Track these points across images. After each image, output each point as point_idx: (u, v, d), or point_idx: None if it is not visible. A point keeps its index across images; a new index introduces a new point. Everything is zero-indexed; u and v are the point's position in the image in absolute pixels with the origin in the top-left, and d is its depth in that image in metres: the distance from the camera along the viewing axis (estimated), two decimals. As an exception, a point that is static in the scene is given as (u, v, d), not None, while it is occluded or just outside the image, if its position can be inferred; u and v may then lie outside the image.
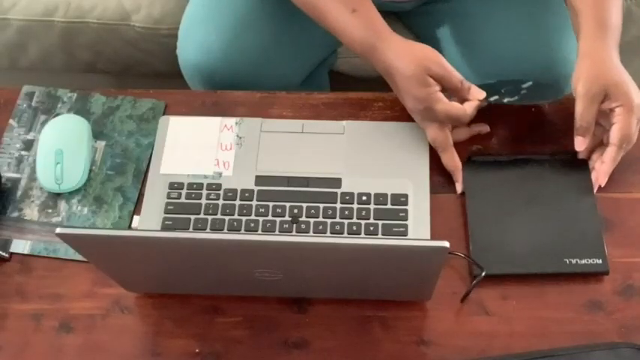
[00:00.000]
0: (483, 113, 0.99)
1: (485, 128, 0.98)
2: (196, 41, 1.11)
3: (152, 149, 0.99)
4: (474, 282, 0.86)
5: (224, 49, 1.09)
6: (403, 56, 0.92)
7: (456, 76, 0.92)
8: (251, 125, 1.00)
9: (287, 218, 0.92)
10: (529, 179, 0.93)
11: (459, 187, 0.94)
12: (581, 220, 0.90)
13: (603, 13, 0.94)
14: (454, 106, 0.92)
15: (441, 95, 0.92)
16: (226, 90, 1.06)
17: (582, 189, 0.92)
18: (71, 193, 0.97)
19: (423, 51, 0.93)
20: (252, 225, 0.92)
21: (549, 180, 0.93)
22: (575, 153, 0.95)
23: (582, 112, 0.90)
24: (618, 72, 0.91)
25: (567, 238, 0.89)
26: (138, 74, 1.41)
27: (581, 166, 0.94)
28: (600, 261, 0.87)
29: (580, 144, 0.92)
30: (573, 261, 0.87)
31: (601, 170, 0.92)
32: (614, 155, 0.91)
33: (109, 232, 0.77)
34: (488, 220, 0.91)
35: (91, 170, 0.98)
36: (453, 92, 0.93)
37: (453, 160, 0.94)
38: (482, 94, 0.93)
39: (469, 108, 0.92)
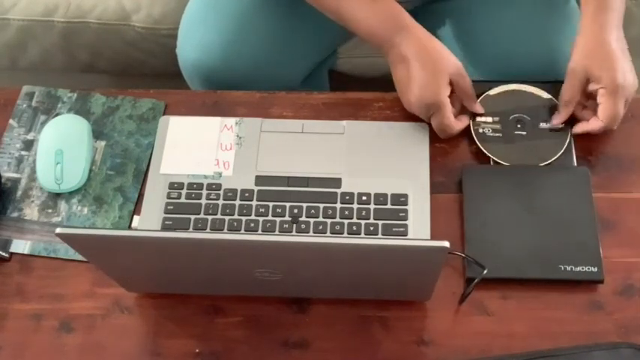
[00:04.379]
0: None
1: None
2: (196, 40, 1.11)
3: (152, 149, 0.99)
4: (475, 281, 0.86)
5: (224, 49, 1.09)
6: (425, 51, 0.95)
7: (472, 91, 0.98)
8: (251, 125, 1.00)
9: (287, 218, 0.92)
10: (528, 185, 0.93)
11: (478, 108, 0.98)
12: (579, 227, 0.90)
13: None
14: (453, 121, 0.96)
15: (448, 101, 0.95)
16: (226, 90, 1.06)
17: (581, 196, 0.92)
18: (71, 193, 0.97)
19: (449, 58, 0.96)
20: (252, 225, 0.92)
21: (548, 186, 0.93)
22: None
23: (564, 87, 0.96)
24: (607, 53, 0.94)
25: (563, 245, 0.89)
26: (138, 74, 1.41)
27: (580, 173, 0.94)
28: (596, 269, 0.87)
29: (557, 119, 0.97)
30: (568, 268, 0.87)
31: (583, 125, 0.97)
32: (598, 129, 0.95)
33: (109, 232, 0.77)
34: (484, 223, 0.91)
35: (91, 170, 0.98)
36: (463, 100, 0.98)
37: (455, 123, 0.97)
38: (481, 110, 0.99)
39: (461, 125, 0.98)
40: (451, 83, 0.95)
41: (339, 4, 0.98)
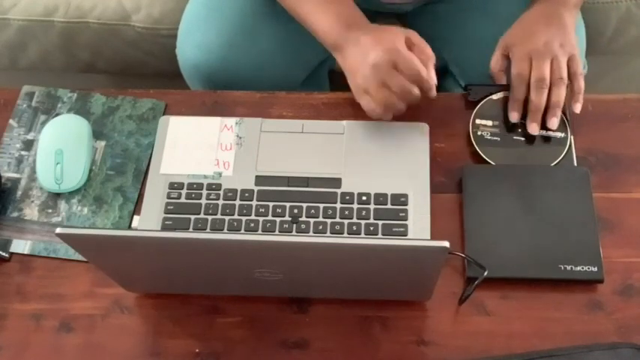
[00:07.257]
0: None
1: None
2: (196, 41, 1.11)
3: (152, 149, 0.99)
4: (476, 282, 0.86)
5: (223, 49, 1.09)
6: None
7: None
8: (251, 125, 1.00)
9: (287, 218, 0.92)
10: (528, 185, 0.93)
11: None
12: (579, 227, 0.90)
13: None
14: (420, 67, 0.91)
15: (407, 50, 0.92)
16: (226, 90, 1.06)
17: (581, 196, 0.92)
18: (71, 193, 0.97)
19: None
20: (252, 225, 0.92)
21: (548, 186, 0.93)
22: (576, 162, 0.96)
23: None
24: (527, 23, 0.99)
25: (563, 245, 0.89)
26: (138, 74, 1.41)
27: (580, 173, 0.94)
28: (596, 268, 0.87)
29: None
30: (568, 267, 0.87)
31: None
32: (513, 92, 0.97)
33: (109, 232, 0.77)
34: (484, 224, 0.91)
35: (91, 170, 0.98)
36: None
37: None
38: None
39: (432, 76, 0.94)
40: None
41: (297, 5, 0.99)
